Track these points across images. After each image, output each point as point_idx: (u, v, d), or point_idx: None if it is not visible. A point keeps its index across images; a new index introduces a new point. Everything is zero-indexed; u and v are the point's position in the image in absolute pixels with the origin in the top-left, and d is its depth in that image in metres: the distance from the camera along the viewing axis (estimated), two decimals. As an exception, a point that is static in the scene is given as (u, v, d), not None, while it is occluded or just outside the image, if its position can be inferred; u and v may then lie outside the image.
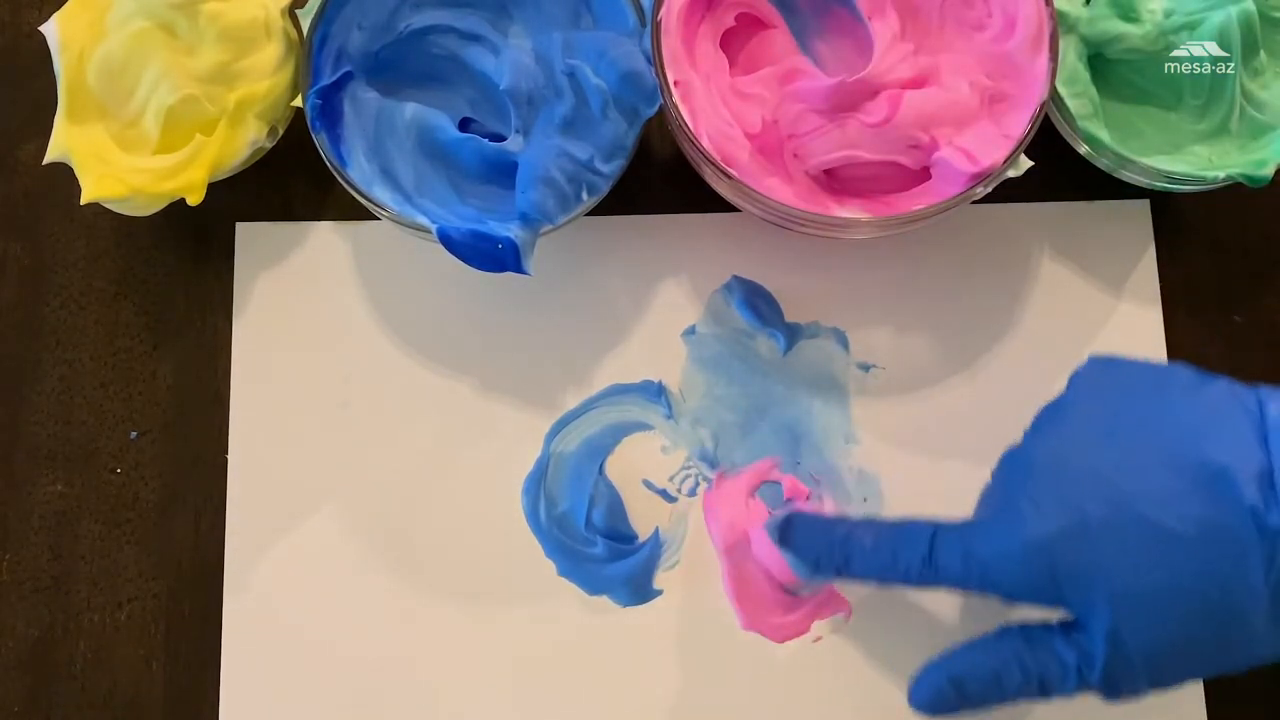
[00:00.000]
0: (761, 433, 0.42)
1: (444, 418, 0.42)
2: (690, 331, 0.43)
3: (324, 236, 0.44)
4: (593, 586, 0.41)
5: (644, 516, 0.42)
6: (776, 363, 0.43)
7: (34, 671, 0.41)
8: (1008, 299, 0.44)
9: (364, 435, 0.42)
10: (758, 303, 0.43)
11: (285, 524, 0.42)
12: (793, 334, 0.43)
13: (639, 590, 0.41)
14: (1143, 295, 0.44)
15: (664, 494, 0.42)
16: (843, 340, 0.43)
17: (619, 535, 0.42)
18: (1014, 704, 0.33)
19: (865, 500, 0.42)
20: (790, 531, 0.36)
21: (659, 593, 0.41)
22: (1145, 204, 0.44)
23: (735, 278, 0.43)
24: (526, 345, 0.43)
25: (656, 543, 0.42)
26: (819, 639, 0.41)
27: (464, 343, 0.43)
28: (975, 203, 0.38)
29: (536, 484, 0.42)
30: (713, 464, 0.42)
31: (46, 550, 0.42)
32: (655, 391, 0.43)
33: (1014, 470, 0.34)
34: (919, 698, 0.34)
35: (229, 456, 0.42)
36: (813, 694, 0.41)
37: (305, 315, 0.43)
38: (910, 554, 0.34)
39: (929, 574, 0.34)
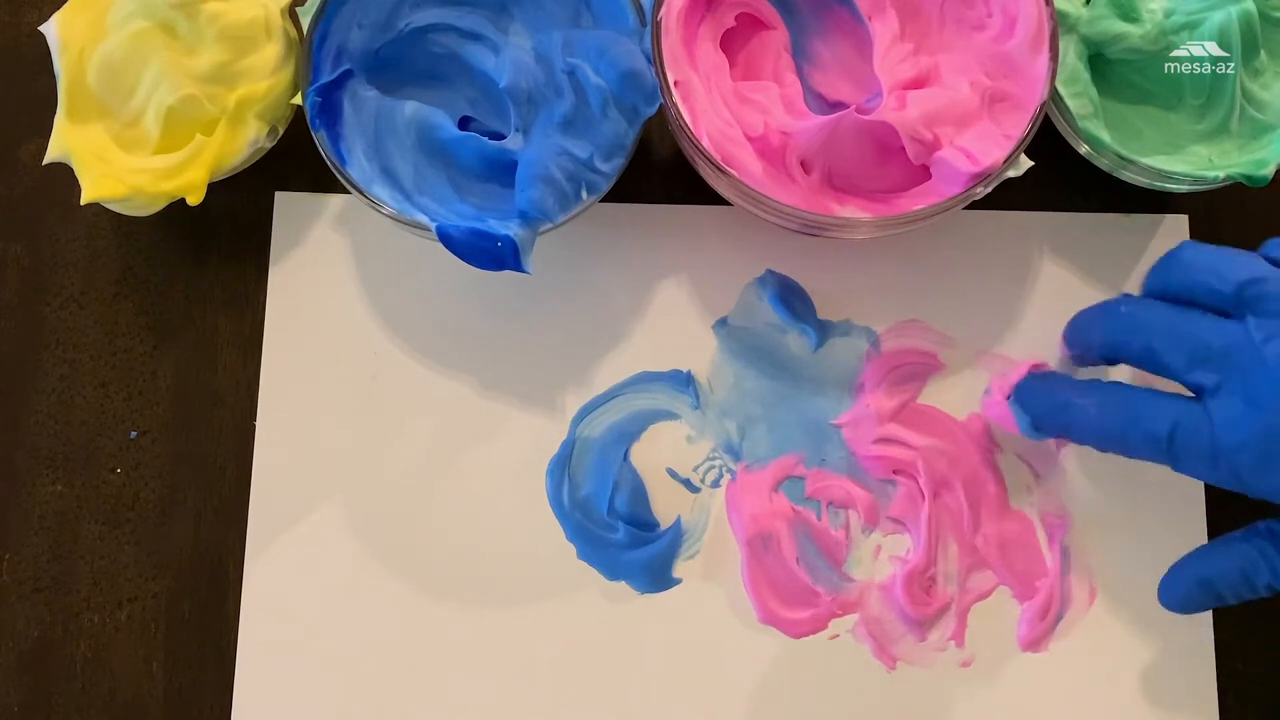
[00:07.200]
0: (787, 427, 0.42)
1: (459, 409, 0.42)
2: (722, 323, 0.43)
3: (348, 211, 0.44)
4: (612, 572, 0.41)
5: (666, 505, 0.42)
6: (806, 358, 0.43)
7: (34, 671, 0.41)
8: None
9: (386, 426, 0.42)
10: (790, 298, 0.43)
11: (303, 518, 0.42)
12: (824, 331, 0.43)
13: (658, 578, 0.41)
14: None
15: (687, 484, 0.42)
16: (872, 339, 0.43)
17: (641, 522, 0.42)
18: (1264, 597, 0.33)
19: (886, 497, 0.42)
20: (1019, 388, 0.37)
21: (677, 581, 0.41)
22: (1183, 219, 0.44)
23: (769, 271, 0.43)
24: (542, 338, 0.43)
25: (678, 531, 0.42)
26: (835, 636, 0.41)
27: (477, 332, 0.43)
28: (976, 203, 0.38)
29: (561, 467, 0.42)
30: (737, 456, 0.42)
31: (46, 550, 0.42)
32: (684, 381, 0.43)
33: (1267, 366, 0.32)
34: (1170, 599, 0.35)
35: (255, 444, 0.42)
36: (826, 690, 0.40)
37: (335, 297, 0.43)
38: (1146, 430, 0.33)
39: (1165, 457, 0.33)
